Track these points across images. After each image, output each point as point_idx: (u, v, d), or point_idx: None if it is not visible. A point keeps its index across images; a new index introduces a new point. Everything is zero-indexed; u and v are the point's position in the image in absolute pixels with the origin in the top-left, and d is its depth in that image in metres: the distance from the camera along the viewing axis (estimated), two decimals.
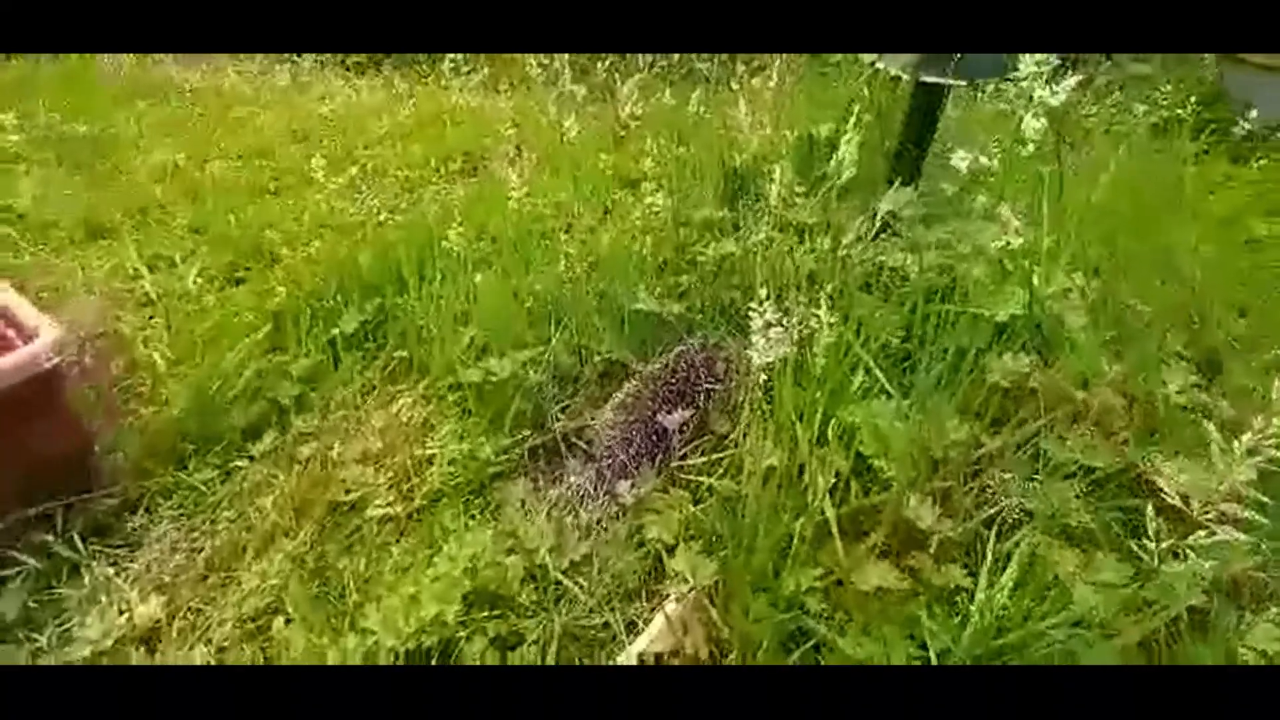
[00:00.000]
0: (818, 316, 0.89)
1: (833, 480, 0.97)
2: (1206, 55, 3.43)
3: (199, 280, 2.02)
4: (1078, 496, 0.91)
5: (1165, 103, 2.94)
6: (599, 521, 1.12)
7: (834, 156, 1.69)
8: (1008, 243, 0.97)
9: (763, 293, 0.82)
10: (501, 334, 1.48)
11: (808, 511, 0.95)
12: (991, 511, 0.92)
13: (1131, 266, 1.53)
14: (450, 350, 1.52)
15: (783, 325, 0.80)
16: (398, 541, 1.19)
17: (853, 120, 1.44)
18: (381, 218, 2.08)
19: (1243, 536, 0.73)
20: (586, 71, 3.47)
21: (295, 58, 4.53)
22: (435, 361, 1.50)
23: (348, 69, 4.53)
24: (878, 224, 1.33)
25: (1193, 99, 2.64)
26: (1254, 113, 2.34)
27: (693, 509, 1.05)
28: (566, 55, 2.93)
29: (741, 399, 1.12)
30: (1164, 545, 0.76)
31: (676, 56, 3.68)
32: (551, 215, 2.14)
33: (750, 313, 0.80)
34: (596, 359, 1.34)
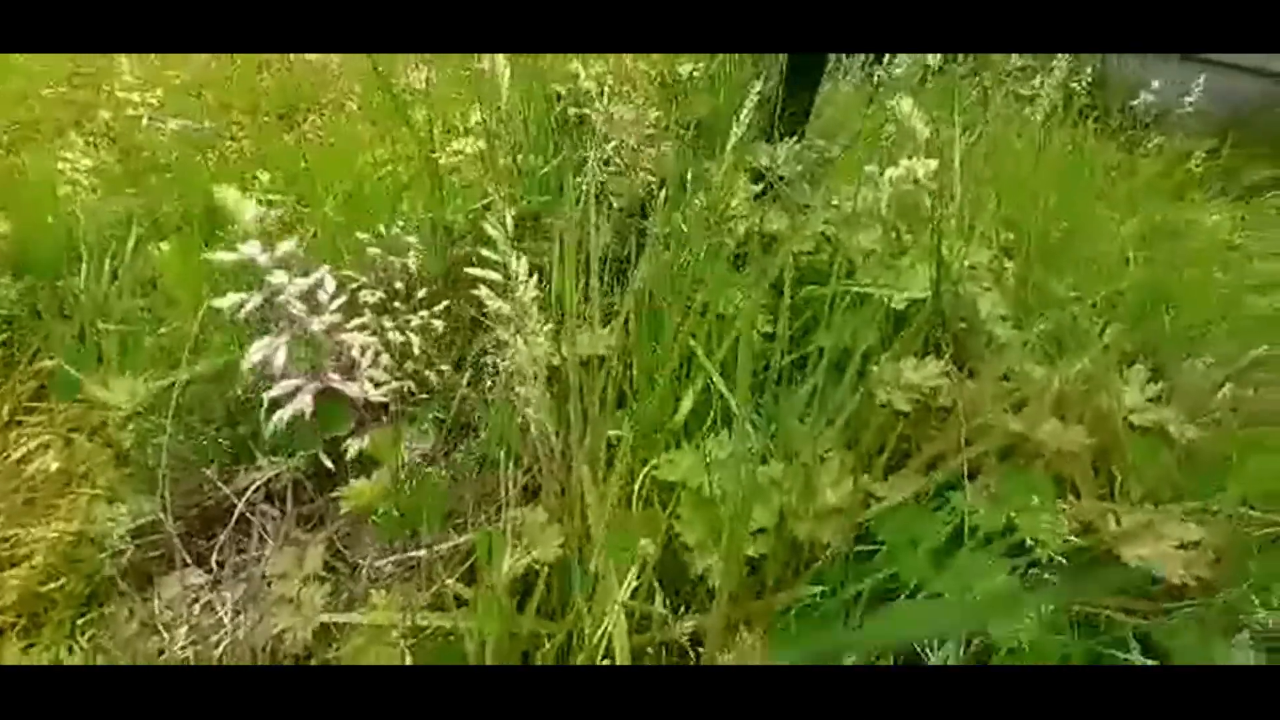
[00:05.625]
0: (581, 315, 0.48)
1: (634, 583, 0.56)
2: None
3: None
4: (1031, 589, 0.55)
5: (1049, 86, 2.83)
6: (265, 651, 0.66)
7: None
8: (917, 171, 0.60)
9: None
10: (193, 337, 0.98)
11: (586, 646, 0.54)
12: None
13: (1046, 248, 1.25)
14: (127, 361, 1.00)
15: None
16: None
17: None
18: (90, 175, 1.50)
19: None
20: None
21: None
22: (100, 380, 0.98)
23: None
24: (745, 179, 0.95)
25: (1079, 82, 2.51)
26: (1153, 87, 2.19)
27: (414, 637, 0.61)
28: None
29: (507, 434, 0.70)
30: None
31: None
32: (365, 177, 1.64)
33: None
34: None
